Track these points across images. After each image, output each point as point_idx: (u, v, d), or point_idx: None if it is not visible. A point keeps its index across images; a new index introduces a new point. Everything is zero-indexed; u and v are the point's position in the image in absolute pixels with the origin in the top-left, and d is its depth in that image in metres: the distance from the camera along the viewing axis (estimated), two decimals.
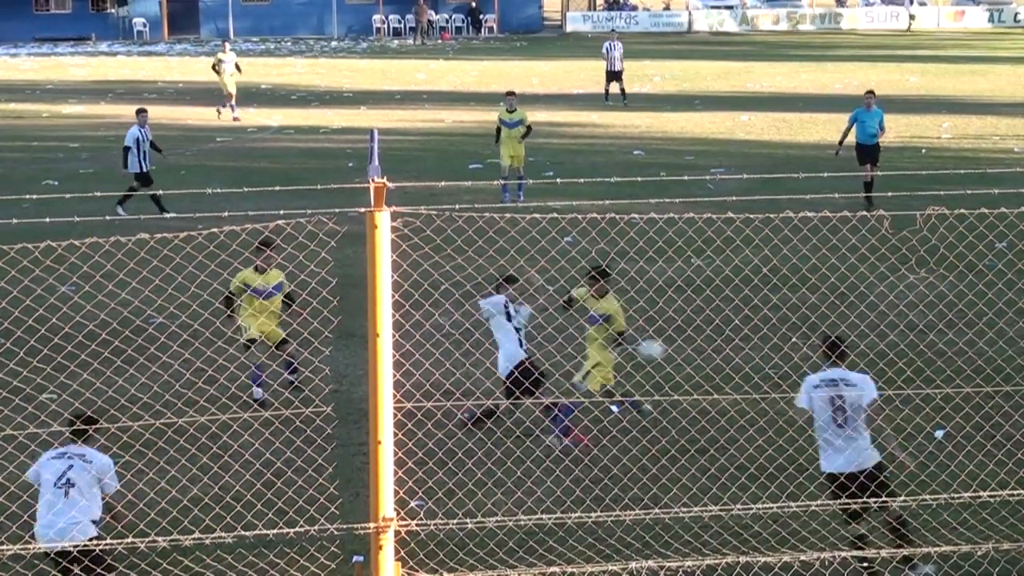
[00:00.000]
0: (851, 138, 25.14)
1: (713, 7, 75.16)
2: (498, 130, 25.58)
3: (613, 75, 41.34)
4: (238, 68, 38.66)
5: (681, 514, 10.44)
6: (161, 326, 13.00)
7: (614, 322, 13.44)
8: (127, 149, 24.16)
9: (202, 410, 13.32)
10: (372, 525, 7.72)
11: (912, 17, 73.10)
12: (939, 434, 13.18)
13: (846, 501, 10.12)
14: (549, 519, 10.19)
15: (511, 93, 26.23)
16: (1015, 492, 10.54)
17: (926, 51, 59.24)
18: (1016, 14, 75.82)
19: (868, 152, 24.98)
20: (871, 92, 25.98)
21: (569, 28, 73.40)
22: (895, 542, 10.33)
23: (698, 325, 15.49)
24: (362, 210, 7.57)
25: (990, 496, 10.46)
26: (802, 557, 9.81)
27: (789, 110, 38.98)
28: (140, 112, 24.90)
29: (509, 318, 13.37)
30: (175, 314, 13.61)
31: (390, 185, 7.51)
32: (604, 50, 41.74)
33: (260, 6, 70.69)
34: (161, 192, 20.89)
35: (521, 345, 13.37)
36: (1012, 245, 17.11)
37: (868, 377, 10.74)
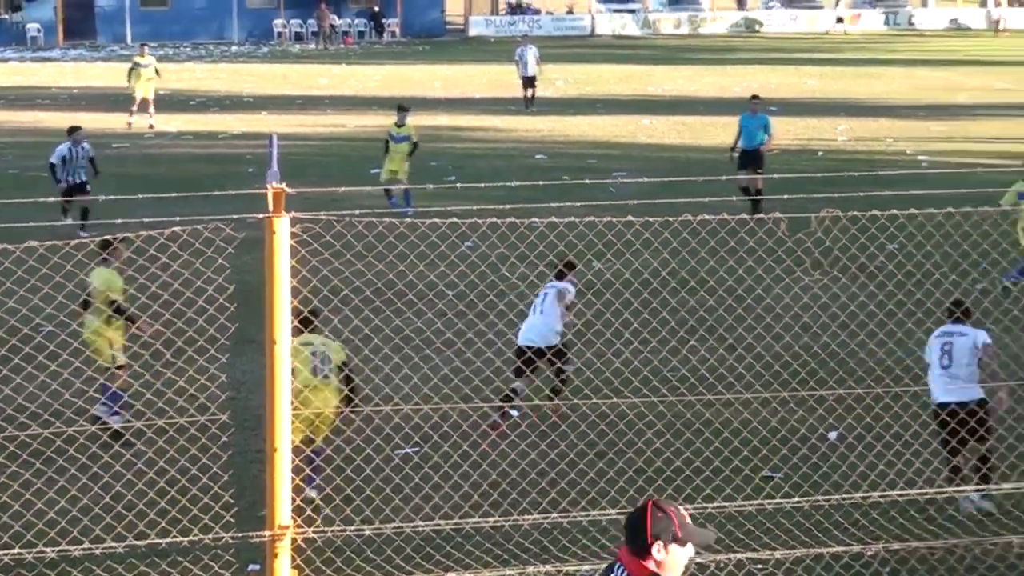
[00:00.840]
0: None
1: (616, 11, 75.60)
2: (386, 143, 25.58)
3: (528, 81, 41.32)
4: (157, 72, 38.11)
5: (579, 518, 10.49)
6: (51, 334, 12.82)
7: None
8: (52, 166, 23.54)
9: (93, 419, 13.19)
10: (268, 533, 7.69)
11: (840, 20, 74.04)
12: (832, 435, 13.36)
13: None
14: (447, 524, 10.21)
15: (403, 108, 26.19)
16: (905, 492, 10.70)
17: (824, 54, 60.02)
18: (911, 16, 77.06)
19: (750, 158, 24.69)
20: (756, 97, 26.06)
21: (472, 32, 73.50)
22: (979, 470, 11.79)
23: (598, 329, 15.57)
24: (260, 216, 7.53)
25: (880, 496, 10.62)
26: (697, 559, 9.90)
27: (690, 113, 39.30)
28: (73, 130, 24.10)
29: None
30: (65, 322, 13.44)
31: (289, 190, 7.49)
32: (516, 55, 41.70)
33: (158, 11, 69.87)
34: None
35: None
36: (903, 247, 17.37)
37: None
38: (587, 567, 10.05)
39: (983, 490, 11.57)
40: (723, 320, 15.58)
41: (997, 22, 74.56)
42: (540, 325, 14.41)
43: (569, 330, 14.95)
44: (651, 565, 5.59)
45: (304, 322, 12.07)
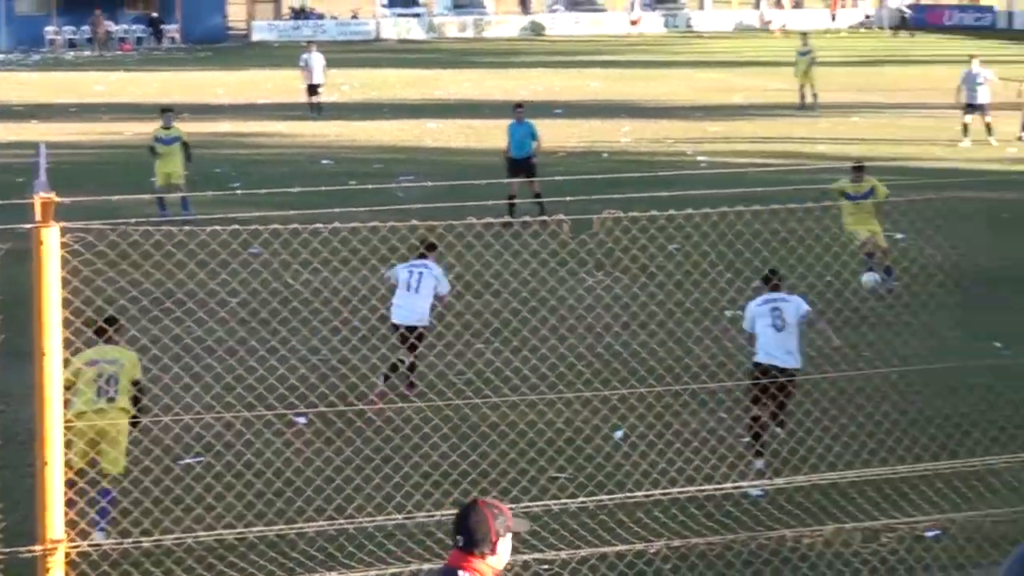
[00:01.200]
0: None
1: (400, 15, 75.53)
2: (151, 148, 25.15)
3: (312, 88, 40.91)
4: None
5: (365, 524, 10.43)
6: None
7: None
8: None
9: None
10: (39, 547, 7.48)
11: (634, 23, 75.04)
12: (618, 435, 13.54)
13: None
14: (229, 534, 10.04)
15: (166, 110, 25.75)
16: (685, 489, 10.89)
17: (606, 56, 60.92)
18: (688, 19, 78.68)
19: (520, 166, 24.75)
20: (519, 106, 26.03)
21: (255, 37, 72.65)
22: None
23: (383, 334, 15.53)
24: (27, 226, 7.31)
25: (662, 494, 10.80)
26: None
27: (476, 117, 39.45)
28: None
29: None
30: None
31: (60, 200, 7.29)
32: (302, 62, 41.25)
33: None
34: None
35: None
36: (682, 247, 17.71)
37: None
38: (374, 573, 9.99)
39: (774, 485, 11.78)
40: (508, 322, 15.66)
41: (769, 23, 76.59)
42: (416, 303, 14.80)
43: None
44: (492, 561, 5.65)
45: (99, 332, 11.76)
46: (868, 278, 18.26)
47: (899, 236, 20.48)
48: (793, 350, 13.06)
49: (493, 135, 35.53)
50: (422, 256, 15.31)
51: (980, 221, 22.25)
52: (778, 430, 13.12)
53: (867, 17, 78.53)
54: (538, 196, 23.68)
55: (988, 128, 32.97)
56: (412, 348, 14.80)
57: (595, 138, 35.36)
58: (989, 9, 77.79)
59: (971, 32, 72.51)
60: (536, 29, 75.87)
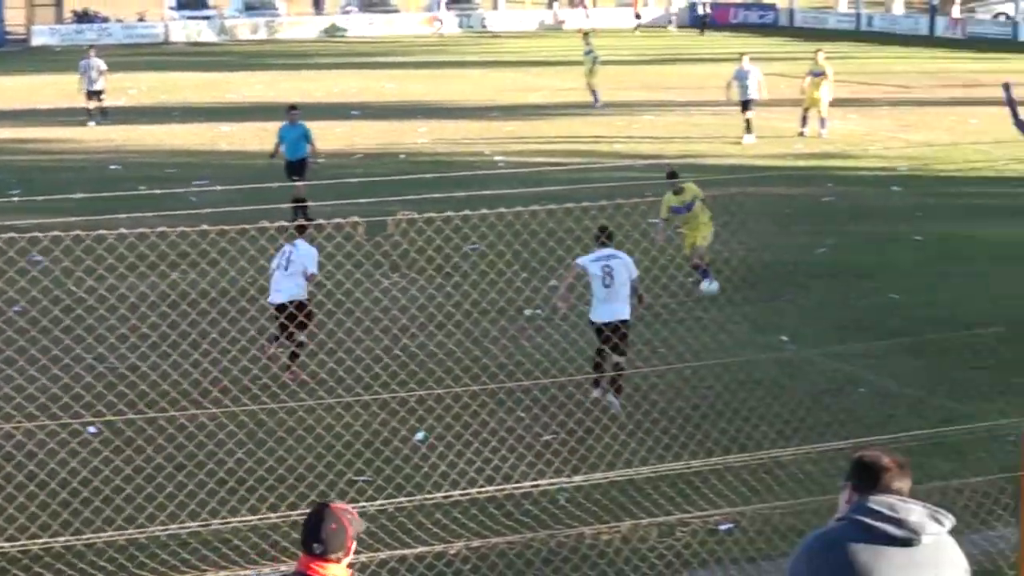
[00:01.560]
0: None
1: (190, 18, 74.31)
2: None
3: (92, 94, 39.80)
4: None
5: (158, 532, 10.18)
6: None
7: None
8: None
9: None
10: None
11: (440, 22, 74.82)
12: (418, 436, 13.47)
13: None
14: (11, 547, 9.70)
15: None
16: (484, 489, 10.87)
17: (402, 57, 60.84)
18: (483, 19, 79.03)
19: (294, 168, 24.79)
20: (293, 108, 25.87)
21: (35, 42, 70.75)
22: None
23: (174, 340, 15.21)
24: None
25: (461, 495, 10.76)
26: (282, 568, 9.78)
27: (271, 119, 38.84)
28: None
29: None
30: None
31: None
32: (81, 68, 40.13)
33: None
34: None
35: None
36: (492, 245, 17.72)
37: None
38: None
39: (571, 483, 11.86)
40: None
41: (563, 23, 77.40)
42: (287, 282, 15.19)
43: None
44: (344, 563, 5.63)
45: None
46: (707, 287, 18.48)
47: None
48: (623, 302, 14.33)
49: None
50: (292, 238, 15.64)
51: (765, 217, 22.75)
52: (619, 359, 14.40)
53: (674, 16, 79.67)
54: (303, 201, 23.02)
55: (748, 125, 33.65)
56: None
57: (392, 139, 35.24)
58: (772, 7, 79.83)
59: (756, 30, 74.35)
60: (332, 31, 75.37)
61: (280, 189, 19.55)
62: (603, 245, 14.60)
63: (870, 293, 19.05)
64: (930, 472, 11.62)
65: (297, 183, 23.95)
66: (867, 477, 5.50)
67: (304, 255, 15.27)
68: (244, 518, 10.57)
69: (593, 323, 14.49)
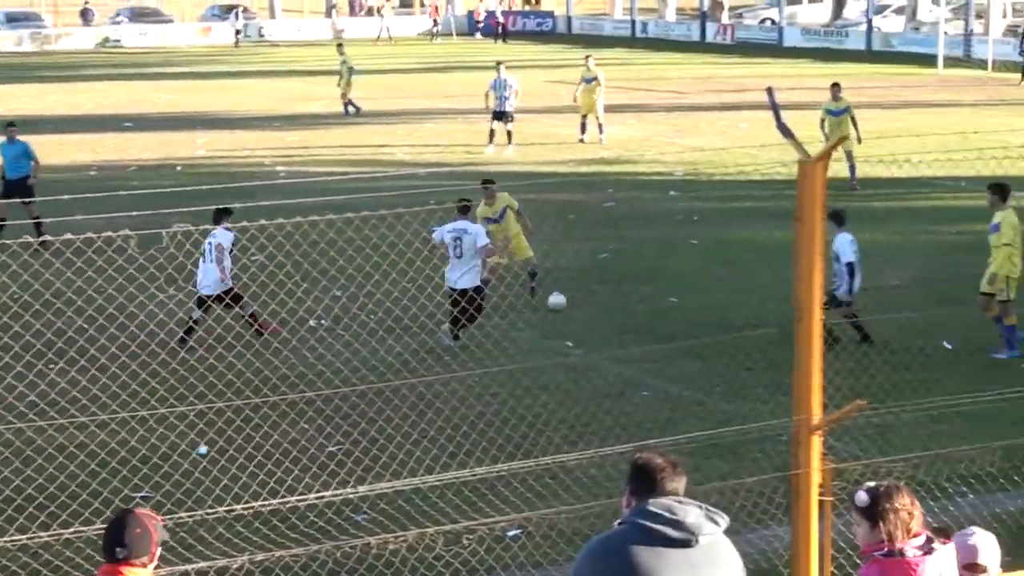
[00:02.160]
0: None
1: None
2: None
3: None
4: None
5: None
6: None
7: None
8: None
9: None
10: None
11: (238, 32, 73.33)
12: (200, 451, 13.20)
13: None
14: None
15: None
16: (267, 502, 10.69)
17: (177, 67, 59.81)
18: (260, 28, 78.15)
19: (15, 188, 23.16)
20: (11, 124, 24.51)
21: None
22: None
23: None
24: None
25: (244, 509, 10.56)
26: None
27: (39, 133, 37.81)
28: None
29: None
30: None
31: None
32: None
33: None
34: None
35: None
36: (271, 256, 17.44)
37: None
38: None
39: (357, 493, 11.80)
40: (74, 341, 14.98)
41: (343, 31, 76.99)
42: (209, 273, 16.39)
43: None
44: (151, 568, 5.48)
45: None
46: (554, 301, 18.70)
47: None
48: (467, 273, 16.81)
49: (60, 151, 34.28)
50: (217, 221, 16.23)
51: (548, 223, 22.95)
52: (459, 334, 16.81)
53: (477, 23, 79.64)
54: (37, 219, 21.98)
55: (509, 136, 33.50)
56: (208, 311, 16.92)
57: (168, 151, 34.59)
58: (549, 14, 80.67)
59: (535, 37, 75.11)
60: (105, 43, 73.60)
61: (54, 204, 18.97)
62: (463, 212, 17.30)
63: (650, 297, 19.36)
64: (708, 473, 11.85)
65: (27, 202, 22.50)
66: (644, 480, 5.57)
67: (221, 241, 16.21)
68: (13, 538, 10.20)
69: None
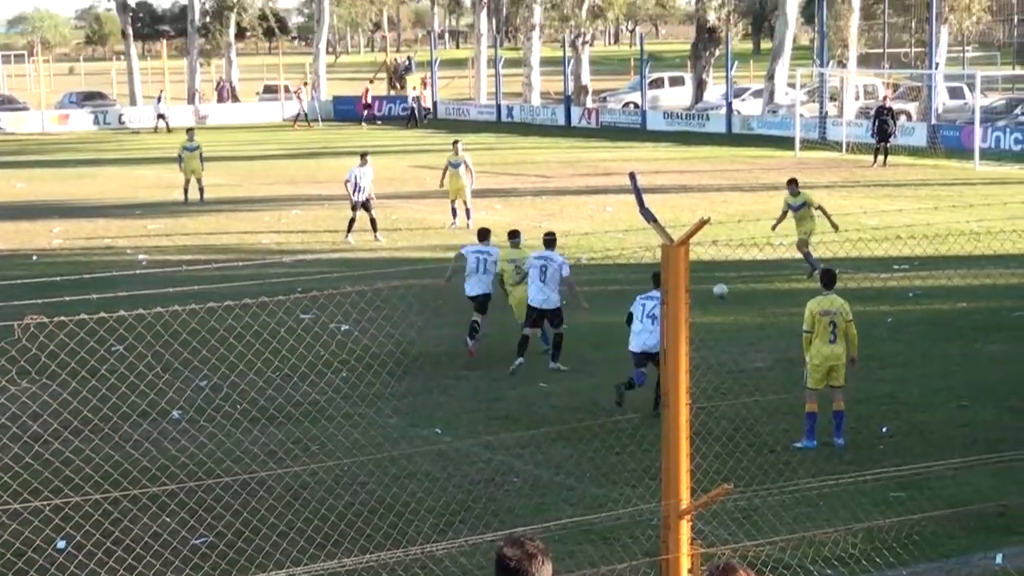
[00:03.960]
0: None
1: None
2: None
3: None
4: None
5: None
6: None
7: None
8: None
9: None
10: None
11: (161, 116, 72.20)
12: (59, 546, 12.83)
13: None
14: None
15: None
16: None
17: (32, 156, 58.94)
18: (120, 115, 77.35)
19: None
20: None
21: None
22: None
23: None
24: None
25: None
26: None
27: None
28: None
29: None
30: None
31: None
32: None
33: None
34: None
35: None
36: (131, 347, 17.08)
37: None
38: None
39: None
40: None
41: (206, 117, 76.55)
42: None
43: None
44: None
45: None
46: (718, 290, 21.75)
47: (344, 327, 20.66)
48: (552, 295, 19.91)
49: None
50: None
51: (415, 310, 22.82)
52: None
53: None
54: None
55: (373, 224, 32.91)
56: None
57: (22, 241, 33.94)
58: (417, 99, 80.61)
59: (401, 122, 75.26)
60: None
61: None
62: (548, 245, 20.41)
63: (520, 382, 19.30)
64: (580, 560, 11.75)
65: None
66: (507, 572, 5.48)
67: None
68: None
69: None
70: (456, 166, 35.12)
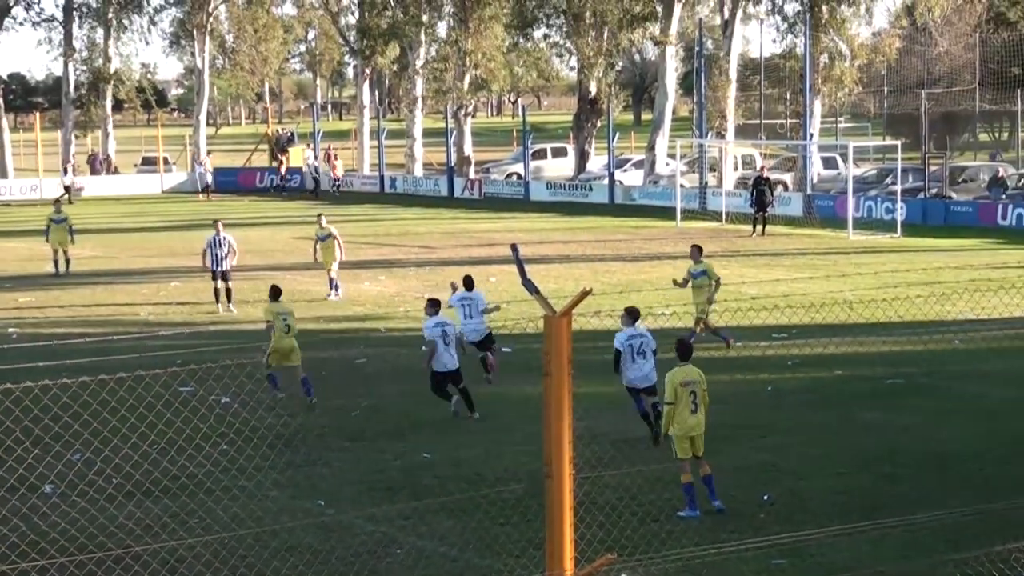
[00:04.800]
0: None
1: None
2: None
3: None
4: None
5: None
6: None
7: None
8: None
9: None
10: None
11: (68, 189, 70.93)
12: None
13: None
14: None
15: None
16: None
17: None
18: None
19: None
20: None
21: None
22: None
23: None
24: None
25: None
26: None
27: None
28: None
29: None
30: None
31: None
32: None
33: None
34: None
35: None
36: None
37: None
38: None
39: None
40: None
41: (81, 189, 75.47)
42: None
43: None
44: None
45: None
46: None
47: (224, 399, 20.33)
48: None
49: None
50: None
51: (298, 382, 22.58)
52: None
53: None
54: None
55: (228, 294, 32.93)
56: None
57: None
58: (297, 170, 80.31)
59: (288, 194, 74.93)
60: None
61: None
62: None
63: (404, 453, 19.14)
64: None
65: None
66: None
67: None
68: None
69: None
70: (323, 239, 35.18)
